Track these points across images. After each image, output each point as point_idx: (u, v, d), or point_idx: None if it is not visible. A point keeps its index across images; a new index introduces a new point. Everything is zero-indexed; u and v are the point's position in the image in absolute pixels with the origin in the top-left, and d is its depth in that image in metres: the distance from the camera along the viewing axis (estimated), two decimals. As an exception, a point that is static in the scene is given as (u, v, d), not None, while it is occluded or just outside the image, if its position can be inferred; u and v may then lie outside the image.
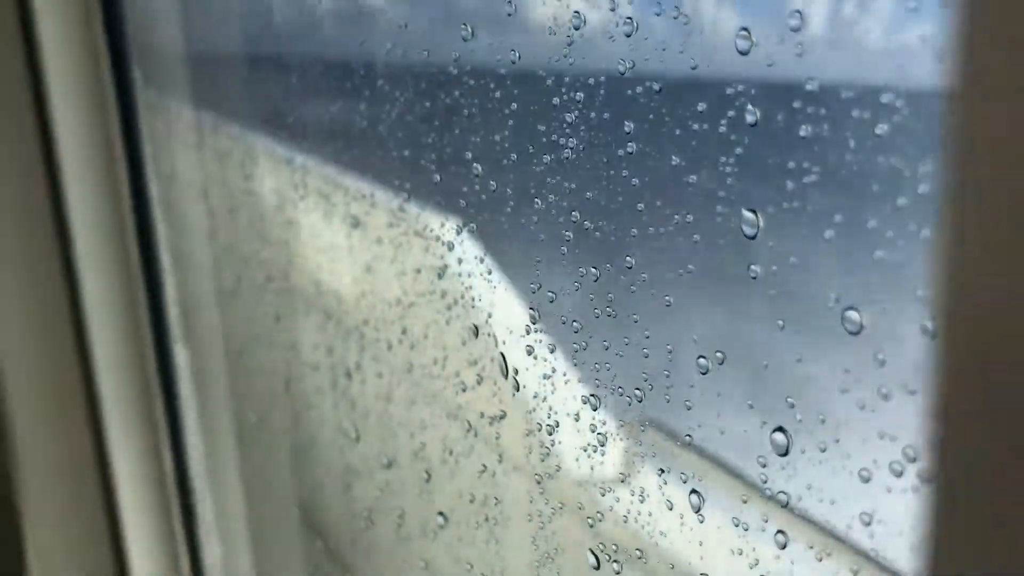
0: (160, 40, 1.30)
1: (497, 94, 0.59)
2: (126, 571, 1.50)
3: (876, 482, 0.39)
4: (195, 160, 1.29)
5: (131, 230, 1.40)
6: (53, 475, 1.43)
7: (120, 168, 1.36)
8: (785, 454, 0.43)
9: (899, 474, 0.38)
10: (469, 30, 0.60)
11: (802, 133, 0.39)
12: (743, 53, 0.41)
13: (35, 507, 1.42)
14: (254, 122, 1.13)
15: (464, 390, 0.69)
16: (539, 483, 0.62)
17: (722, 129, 0.42)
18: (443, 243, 0.68)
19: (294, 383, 1.10)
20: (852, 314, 0.38)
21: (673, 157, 0.46)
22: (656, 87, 0.46)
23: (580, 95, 0.51)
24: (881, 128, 0.36)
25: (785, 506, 0.43)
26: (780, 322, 0.42)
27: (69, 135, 1.32)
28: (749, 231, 0.42)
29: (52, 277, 1.38)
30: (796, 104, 0.39)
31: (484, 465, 0.69)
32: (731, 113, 0.42)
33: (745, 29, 0.40)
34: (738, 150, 0.42)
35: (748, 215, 0.42)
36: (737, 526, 0.46)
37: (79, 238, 1.36)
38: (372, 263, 0.82)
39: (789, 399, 0.42)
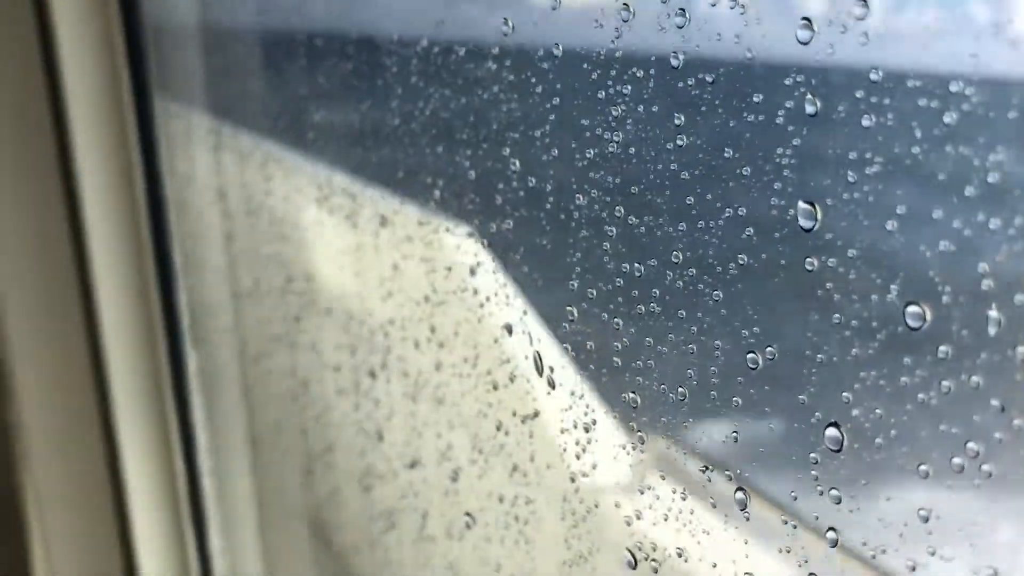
0: (177, 35, 1.30)
1: (539, 89, 0.58)
2: (134, 572, 1.49)
3: (936, 478, 0.38)
4: (213, 162, 1.29)
5: (146, 230, 1.39)
6: (63, 476, 1.43)
7: (135, 169, 1.35)
8: (839, 450, 0.42)
9: (960, 470, 0.37)
10: (510, 25, 0.60)
11: (865, 123, 0.38)
12: (803, 43, 0.40)
13: (44, 508, 1.42)
14: (274, 123, 1.13)
15: (495, 388, 0.69)
16: (573, 481, 0.62)
17: (779, 120, 0.42)
18: (477, 240, 0.68)
19: (313, 384, 1.09)
20: (914, 308, 0.38)
21: (726, 150, 0.45)
22: (709, 78, 0.45)
23: (628, 88, 0.51)
24: (950, 117, 0.35)
25: (838, 503, 0.43)
26: (837, 317, 0.41)
27: (85, 136, 1.32)
28: (806, 224, 0.42)
29: (66, 277, 1.37)
30: (859, 94, 0.39)
31: (515, 464, 0.68)
32: (789, 104, 0.41)
33: (807, 18, 0.40)
34: (796, 141, 0.42)
35: (805, 207, 0.41)
36: (785, 524, 0.45)
37: (94, 239, 1.36)
38: (400, 261, 0.81)
39: (845, 395, 0.41)
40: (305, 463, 1.18)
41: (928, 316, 0.37)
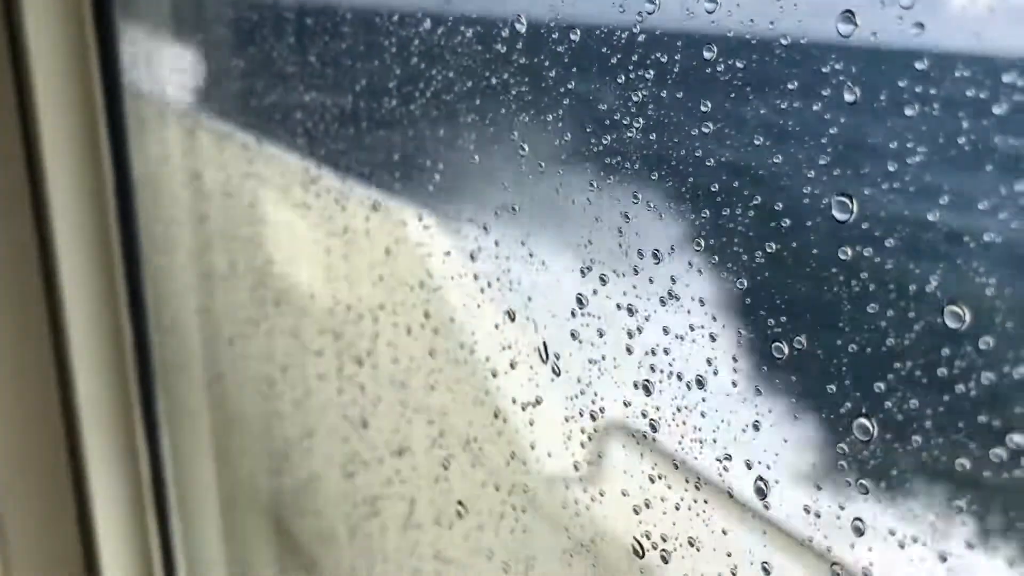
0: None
1: (552, 73, 0.58)
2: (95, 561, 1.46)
3: (971, 472, 0.38)
4: (186, 145, 1.27)
5: (112, 212, 1.36)
6: (22, 460, 1.39)
7: (103, 155, 1.32)
8: (868, 441, 0.42)
9: (1000, 465, 0.37)
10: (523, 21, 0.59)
11: (908, 112, 0.38)
12: (844, 36, 0.40)
13: (5, 506, 1.38)
14: (254, 104, 1.10)
15: (494, 375, 0.68)
16: (577, 470, 0.61)
17: (816, 107, 0.42)
18: (478, 225, 0.67)
19: (292, 370, 1.07)
20: (953, 308, 0.38)
21: (757, 137, 0.45)
22: (739, 64, 0.45)
23: (650, 73, 0.50)
24: (999, 108, 0.35)
25: (866, 494, 0.42)
26: (873, 307, 0.41)
27: (51, 122, 1.28)
28: (841, 216, 0.41)
29: (29, 268, 1.34)
30: (902, 83, 0.38)
31: (513, 452, 0.68)
32: (826, 92, 0.41)
33: (849, 11, 0.39)
34: (833, 129, 0.41)
35: (840, 199, 0.41)
36: (809, 513, 0.45)
37: (57, 221, 1.32)
38: (392, 246, 0.80)
39: (877, 386, 0.41)
40: (280, 450, 1.16)
41: (967, 316, 0.37)
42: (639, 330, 0.54)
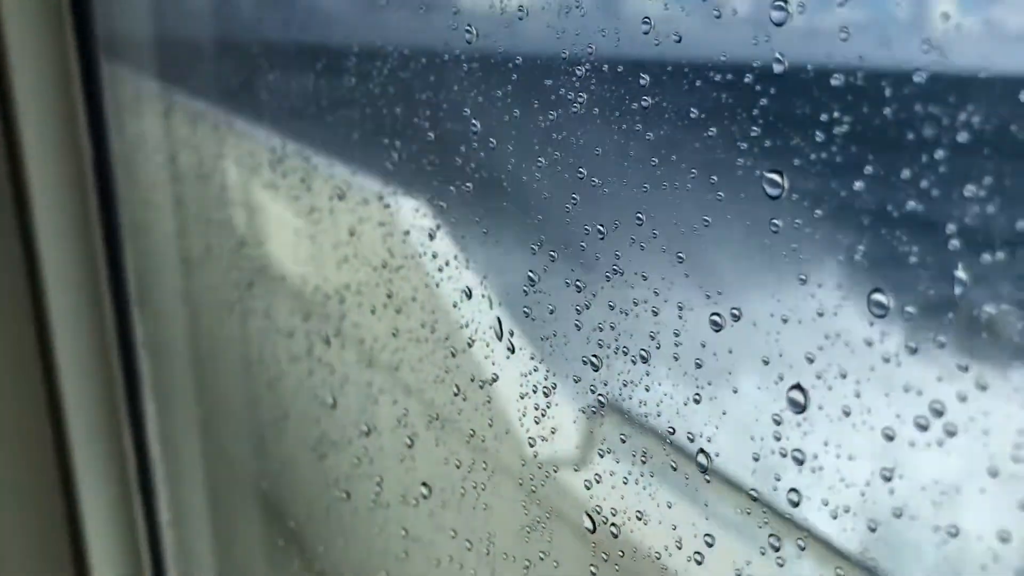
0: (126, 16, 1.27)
1: (501, 48, 0.58)
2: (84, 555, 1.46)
3: (899, 438, 0.38)
4: (162, 127, 1.27)
5: (93, 196, 1.36)
6: (9, 467, 1.39)
7: (81, 130, 1.32)
8: (802, 411, 0.42)
9: (924, 428, 0.37)
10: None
11: (833, 83, 0.38)
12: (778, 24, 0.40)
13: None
14: (228, 97, 1.10)
15: (453, 354, 0.68)
16: (532, 446, 0.61)
17: (747, 79, 0.42)
18: (435, 204, 0.67)
19: (266, 352, 1.08)
20: (879, 295, 0.38)
21: (692, 110, 0.45)
22: (676, 38, 0.45)
23: (592, 47, 0.50)
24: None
25: (800, 464, 0.43)
26: (802, 276, 0.41)
27: (31, 109, 1.27)
28: (772, 191, 0.41)
29: (12, 259, 1.33)
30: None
31: (472, 430, 0.68)
32: (756, 64, 0.41)
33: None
34: (763, 101, 0.41)
35: (771, 176, 0.41)
36: (746, 489, 0.45)
37: (38, 208, 1.32)
38: (356, 226, 0.80)
39: (809, 355, 0.41)
40: (257, 430, 1.16)
41: (892, 282, 0.37)
42: (588, 306, 0.54)
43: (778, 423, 0.43)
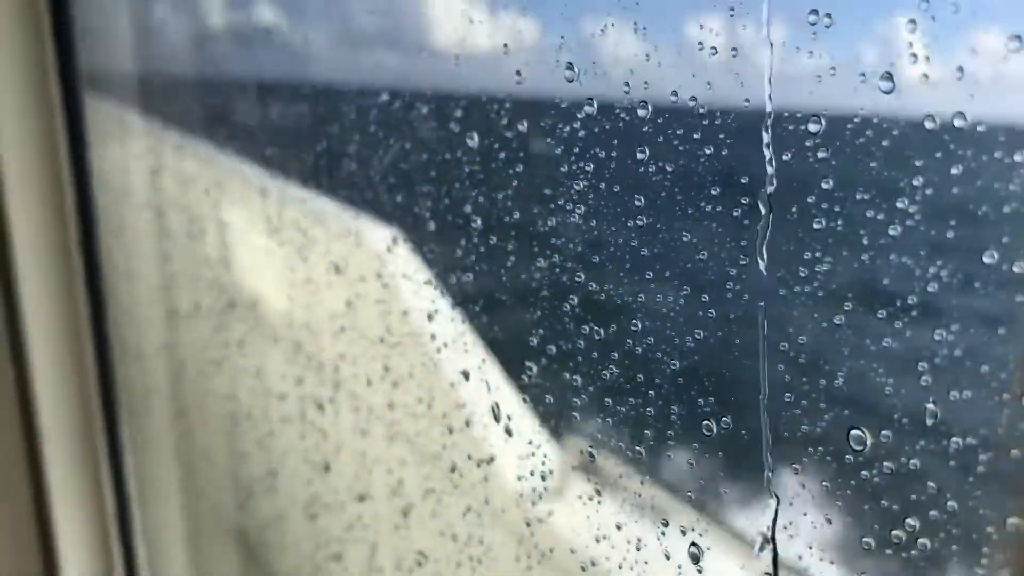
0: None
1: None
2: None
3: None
4: (152, 181, 1.29)
5: (75, 240, 1.37)
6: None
7: (63, 167, 1.32)
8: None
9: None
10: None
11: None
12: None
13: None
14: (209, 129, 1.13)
15: (451, 432, 0.71)
16: (529, 526, 0.64)
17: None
18: (434, 286, 0.70)
19: (254, 411, 1.10)
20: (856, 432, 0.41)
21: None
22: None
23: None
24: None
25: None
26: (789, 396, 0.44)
27: (14, 143, 1.29)
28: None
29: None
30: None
31: (469, 505, 0.71)
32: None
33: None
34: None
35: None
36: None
37: (19, 247, 1.33)
38: (353, 300, 0.83)
39: (795, 467, 0.45)
40: (243, 492, 1.18)
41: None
42: (584, 399, 0.57)
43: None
